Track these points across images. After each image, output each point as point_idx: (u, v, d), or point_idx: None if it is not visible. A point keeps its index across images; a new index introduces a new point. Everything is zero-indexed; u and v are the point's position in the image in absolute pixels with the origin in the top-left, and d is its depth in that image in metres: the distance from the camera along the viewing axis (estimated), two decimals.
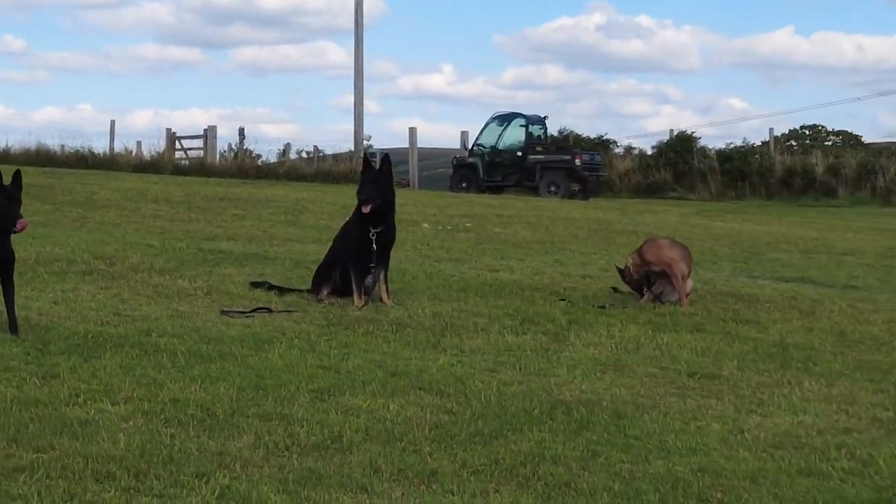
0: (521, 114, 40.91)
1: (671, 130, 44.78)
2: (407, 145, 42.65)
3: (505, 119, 40.79)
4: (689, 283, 11.61)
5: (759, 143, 51.79)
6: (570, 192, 37.84)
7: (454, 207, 23.06)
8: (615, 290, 11.91)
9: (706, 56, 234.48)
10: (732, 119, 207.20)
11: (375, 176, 10.92)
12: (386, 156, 11.11)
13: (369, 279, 10.80)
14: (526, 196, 35.95)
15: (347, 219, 11.43)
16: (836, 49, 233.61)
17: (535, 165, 38.90)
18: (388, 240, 10.88)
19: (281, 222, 18.91)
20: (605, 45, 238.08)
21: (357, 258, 10.72)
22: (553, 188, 38.31)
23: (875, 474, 6.15)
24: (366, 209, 10.72)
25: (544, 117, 41.63)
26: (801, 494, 5.77)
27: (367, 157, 11.65)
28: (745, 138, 46.37)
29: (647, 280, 11.56)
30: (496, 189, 38.54)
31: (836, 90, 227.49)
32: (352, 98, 44.80)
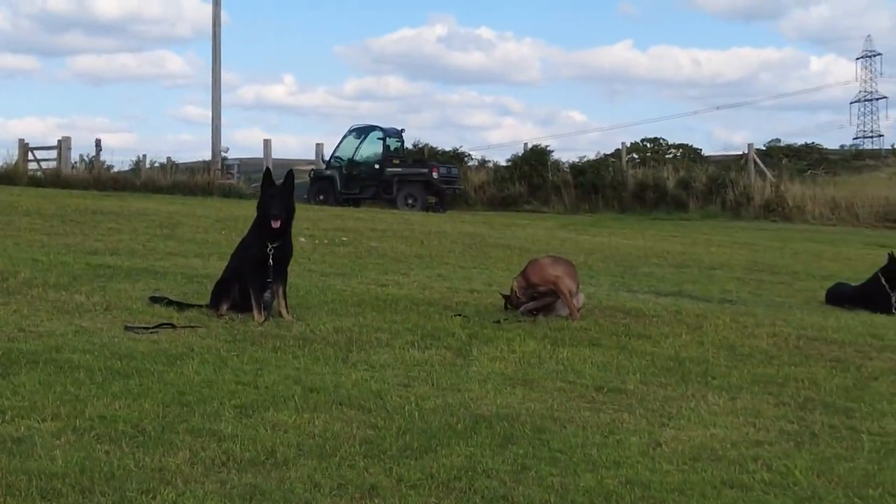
0: (378, 127, 41.12)
1: (525, 144, 45.36)
2: (260, 156, 42.63)
3: (363, 132, 40.97)
4: (581, 298, 11.87)
5: (602, 156, 52.69)
6: (428, 205, 38.14)
7: (326, 221, 23.11)
8: (506, 305, 12.10)
9: (546, 68, 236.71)
10: (573, 131, 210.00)
11: (280, 191, 11.02)
12: (290, 171, 11.22)
13: (268, 294, 10.85)
14: (391, 210, 36.09)
15: (244, 234, 11.46)
16: (673, 63, 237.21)
17: (392, 178, 39.16)
18: (285, 255, 10.96)
19: (158, 236, 18.84)
20: (447, 56, 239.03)
21: (255, 274, 10.77)
22: (410, 201, 38.57)
23: (794, 485, 6.41)
24: (276, 224, 10.79)
25: (401, 130, 41.92)
26: None
27: (269, 171, 11.70)
28: (599, 151, 47.10)
29: (533, 299, 11.79)
30: (354, 202, 38.68)
31: (672, 104, 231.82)
32: (192, 108, 44.78)
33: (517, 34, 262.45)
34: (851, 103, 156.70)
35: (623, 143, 51.86)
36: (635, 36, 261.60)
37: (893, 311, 13.75)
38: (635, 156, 63.01)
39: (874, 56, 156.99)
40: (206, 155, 44.43)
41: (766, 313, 12.93)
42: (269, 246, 10.78)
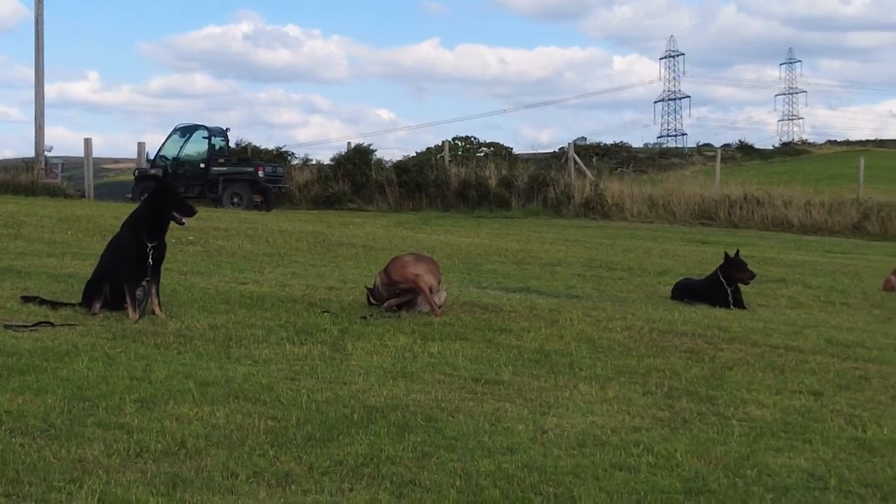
0: (203, 126, 40.98)
1: (348, 143, 45.59)
2: (76, 154, 42.28)
3: (187, 131, 40.80)
4: (443, 295, 12.26)
5: (415, 154, 53.26)
6: (253, 204, 38.20)
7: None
8: (370, 301, 12.42)
9: (354, 66, 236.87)
10: (381, 129, 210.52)
11: (171, 190, 11.31)
12: (167, 171, 11.45)
13: (139, 292, 11.03)
14: (222, 209, 36.02)
15: (117, 233, 11.59)
16: (480, 62, 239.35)
17: (218, 177, 39.11)
18: (161, 254, 11.17)
19: (4, 235, 18.73)
20: (254, 54, 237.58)
21: (131, 272, 10.94)
22: (236, 200, 38.58)
23: (677, 467, 6.89)
24: (186, 223, 11.06)
25: (226, 129, 41.84)
26: (621, 486, 6.44)
27: (167, 172, 11.93)
28: (428, 148, 47.55)
29: (395, 295, 12.15)
30: None
31: (480, 102, 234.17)
32: None
33: (324, 32, 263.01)
34: (655, 102, 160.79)
35: (446, 142, 52.44)
36: (442, 34, 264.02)
37: (731, 305, 14.44)
38: (444, 154, 63.58)
39: (677, 56, 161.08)
40: (8, 153, 43.69)
41: (615, 308, 13.47)
42: (149, 245, 10.96)
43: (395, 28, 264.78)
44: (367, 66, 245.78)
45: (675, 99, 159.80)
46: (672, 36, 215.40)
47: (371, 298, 12.25)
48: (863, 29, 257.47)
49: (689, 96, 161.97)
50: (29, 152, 43.84)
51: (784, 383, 9.60)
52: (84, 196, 40.18)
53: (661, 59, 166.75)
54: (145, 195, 33.06)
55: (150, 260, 10.96)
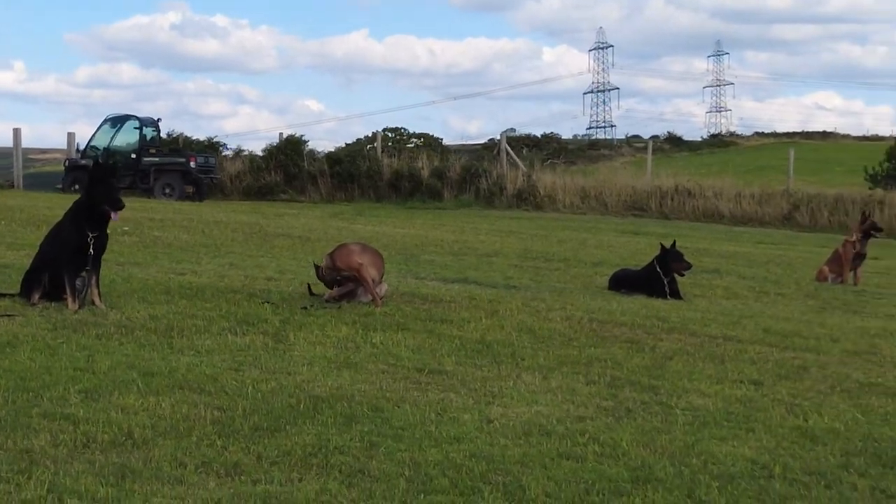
0: (134, 116, 40.69)
1: (280, 133, 45.39)
2: (9, 145, 41.87)
3: (118, 121, 40.48)
4: (384, 287, 12.27)
5: (346, 145, 53.25)
6: (185, 195, 37.99)
7: None
8: (310, 291, 12.41)
9: (283, 57, 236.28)
10: (310, 120, 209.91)
11: (114, 181, 11.22)
12: (113, 165, 11.37)
13: (78, 283, 10.96)
14: (155, 199, 35.82)
15: (58, 222, 11.49)
16: (410, 53, 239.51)
17: (149, 168, 38.87)
18: (102, 244, 11.09)
19: None
20: (181, 44, 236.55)
21: (72, 262, 10.87)
22: (168, 190, 38.37)
23: (623, 456, 6.95)
24: (116, 218, 10.96)
25: (158, 120, 41.55)
26: (569, 475, 6.50)
27: (103, 164, 11.85)
28: (359, 139, 47.47)
29: (337, 281, 12.16)
30: None
31: (409, 93, 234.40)
32: None
33: (253, 22, 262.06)
34: (584, 94, 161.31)
35: (378, 133, 52.38)
36: (372, 25, 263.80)
37: (668, 295, 14.55)
38: (376, 145, 63.61)
39: (606, 48, 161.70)
40: None
41: (554, 298, 13.54)
42: (90, 235, 10.88)
43: (324, 18, 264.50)
44: (296, 56, 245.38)
45: (604, 91, 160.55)
46: (601, 28, 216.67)
47: (318, 275, 12.24)
48: (789, 21, 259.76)
49: (617, 88, 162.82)
50: None
51: (724, 373, 9.69)
52: (13, 186, 39.82)
53: (590, 50, 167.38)
54: (76, 186, 32.81)
55: (90, 250, 10.87)
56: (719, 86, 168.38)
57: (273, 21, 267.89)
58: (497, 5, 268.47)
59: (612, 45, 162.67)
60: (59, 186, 39.69)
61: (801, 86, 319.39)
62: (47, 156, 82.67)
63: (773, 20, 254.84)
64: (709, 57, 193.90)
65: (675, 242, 15.18)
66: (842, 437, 7.70)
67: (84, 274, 11.01)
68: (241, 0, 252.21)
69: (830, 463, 7.06)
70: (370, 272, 12.04)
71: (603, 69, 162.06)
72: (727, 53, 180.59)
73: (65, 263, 10.90)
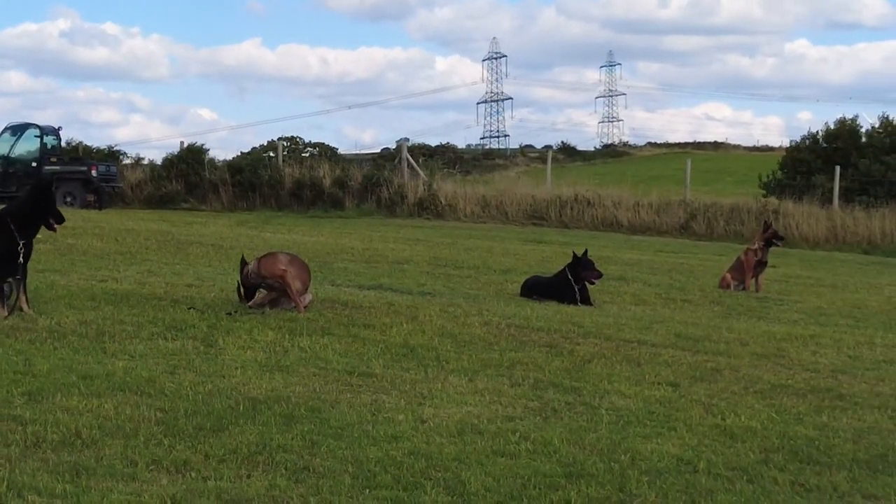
0: (34, 124, 40.35)
1: (181, 142, 45.26)
2: None
3: (18, 129, 40.13)
4: (308, 297, 12.50)
5: (241, 154, 53.23)
6: (86, 203, 37.80)
7: None
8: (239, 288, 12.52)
9: (175, 65, 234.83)
10: (203, 129, 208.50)
11: (54, 195, 11.39)
12: (51, 179, 11.56)
13: (6, 288, 11.08)
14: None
15: None
16: (302, 61, 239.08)
17: (50, 176, 38.59)
18: (30, 252, 11.22)
19: None
20: (71, 51, 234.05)
21: (1, 269, 10.99)
22: (69, 199, 38.10)
23: (555, 453, 7.28)
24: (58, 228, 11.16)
25: (58, 128, 41.27)
26: (506, 471, 6.81)
27: (51, 178, 12.06)
28: (254, 148, 47.44)
29: (259, 287, 12.38)
30: (10, 199, 37.89)
31: (302, 102, 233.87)
32: None
33: (144, 30, 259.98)
34: (478, 104, 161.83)
35: (280, 142, 52.50)
36: (264, 34, 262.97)
37: (578, 302, 14.91)
38: (271, 154, 63.58)
39: (499, 58, 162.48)
40: None
41: (469, 304, 13.83)
42: (20, 243, 11.01)
43: (215, 27, 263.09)
44: (188, 65, 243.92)
45: (497, 101, 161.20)
46: (494, 38, 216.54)
47: (241, 275, 12.42)
48: (679, 33, 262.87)
49: (511, 98, 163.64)
50: None
51: (642, 375, 10.05)
52: None
53: (483, 60, 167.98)
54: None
55: (20, 259, 11.00)
56: (611, 96, 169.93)
57: (165, 29, 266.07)
58: (390, 14, 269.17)
59: (505, 56, 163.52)
60: None
61: (692, 96, 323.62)
62: None
63: (663, 31, 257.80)
64: (601, 67, 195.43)
65: (586, 251, 15.53)
66: (759, 435, 8.07)
67: (11, 280, 11.11)
68: (132, 8, 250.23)
69: (751, 459, 7.42)
70: (295, 283, 12.25)
71: (496, 79, 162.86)
72: (619, 64, 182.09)
73: None
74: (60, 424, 7.19)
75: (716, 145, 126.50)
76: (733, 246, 31.60)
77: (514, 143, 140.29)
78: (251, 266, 12.33)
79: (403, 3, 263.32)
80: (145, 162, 47.34)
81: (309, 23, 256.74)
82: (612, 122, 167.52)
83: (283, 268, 12.18)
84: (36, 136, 39.53)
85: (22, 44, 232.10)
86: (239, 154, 54.00)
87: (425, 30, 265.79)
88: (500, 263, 20.55)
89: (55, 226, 11.28)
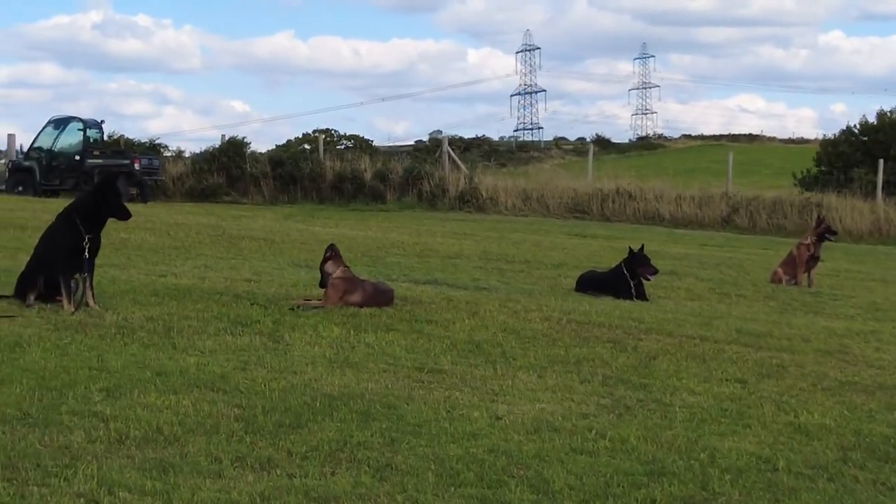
0: (78, 117, 40.51)
1: (222, 135, 45.45)
2: None
3: (61, 123, 40.30)
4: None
5: (276, 146, 53.39)
6: (129, 196, 37.89)
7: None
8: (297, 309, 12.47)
9: (207, 57, 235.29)
10: (235, 121, 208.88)
11: (115, 189, 11.45)
12: (115, 174, 11.62)
13: (73, 284, 11.14)
14: None
15: (51, 224, 11.65)
16: (334, 53, 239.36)
17: (93, 169, 38.66)
18: (97, 246, 11.26)
19: None
20: (103, 43, 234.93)
21: (68, 264, 11.04)
22: None
23: (633, 451, 7.28)
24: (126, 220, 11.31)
25: (101, 121, 41.42)
26: (587, 469, 6.82)
27: (117, 173, 12.15)
28: (288, 140, 47.55)
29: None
30: (53, 193, 38.13)
31: (334, 94, 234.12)
32: None
33: (176, 22, 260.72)
34: (512, 96, 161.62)
35: (321, 135, 52.66)
36: (296, 26, 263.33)
37: (634, 297, 14.92)
38: (307, 146, 63.70)
39: (533, 50, 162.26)
40: None
41: (528, 300, 13.84)
42: (86, 237, 11.07)
43: (247, 19, 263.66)
44: (221, 56, 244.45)
45: (531, 93, 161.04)
46: (528, 30, 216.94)
47: (320, 265, 12.47)
48: (712, 24, 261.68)
49: (544, 90, 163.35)
50: None
51: (709, 372, 10.05)
52: None
53: (517, 52, 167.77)
54: (20, 188, 32.61)
55: (86, 253, 11.05)
56: (645, 88, 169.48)
57: (197, 21, 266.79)
58: (422, 6, 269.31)
59: (539, 48, 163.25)
60: (1, 188, 39.46)
61: (725, 88, 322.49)
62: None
63: (695, 23, 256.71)
64: (634, 59, 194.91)
65: (642, 246, 15.53)
66: (834, 432, 8.06)
67: (78, 276, 11.17)
68: (164, 0, 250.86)
69: (829, 457, 7.41)
70: (348, 297, 12.23)
71: (530, 71, 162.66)
72: (653, 56, 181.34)
73: (61, 265, 11.07)
74: (142, 421, 7.22)
75: (750, 137, 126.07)
76: (776, 240, 31.57)
77: (547, 136, 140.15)
78: (339, 271, 12.33)
79: None
80: (186, 155, 47.49)
81: (341, 15, 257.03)
82: (645, 114, 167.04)
83: (341, 293, 12.21)
84: (79, 130, 39.68)
85: (55, 36, 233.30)
86: (274, 147, 54.18)
87: (457, 22, 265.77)
88: (550, 258, 20.57)
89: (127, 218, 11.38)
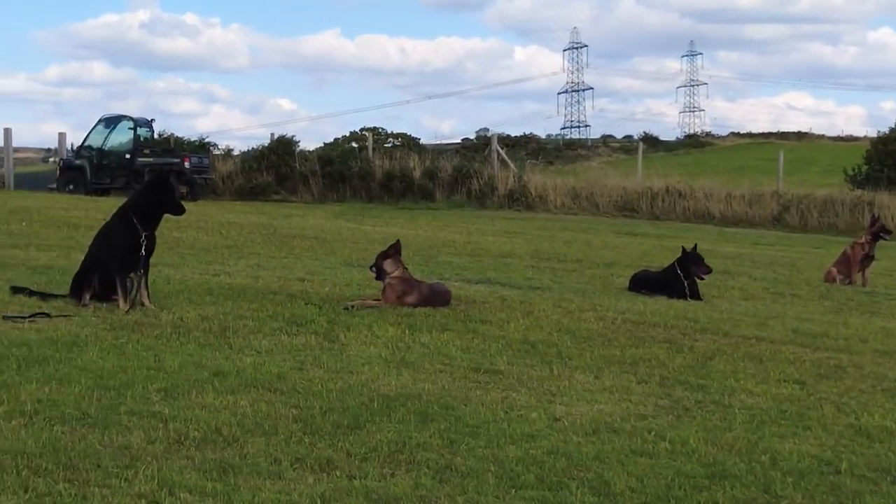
0: (128, 116, 40.74)
1: (272, 134, 45.63)
2: None
3: (112, 121, 40.53)
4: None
5: (323, 145, 53.51)
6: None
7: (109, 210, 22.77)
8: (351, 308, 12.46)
9: (254, 55, 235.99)
10: (282, 120, 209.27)
11: (169, 186, 11.46)
12: (169, 171, 11.63)
13: (127, 283, 11.17)
14: None
15: (106, 223, 11.68)
16: (381, 52, 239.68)
17: (143, 168, 38.87)
18: (153, 245, 11.29)
19: None
20: (151, 42, 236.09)
21: (123, 263, 11.06)
22: None
23: (694, 453, 7.21)
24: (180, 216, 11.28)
25: (151, 120, 41.66)
26: (647, 471, 6.76)
27: (170, 171, 12.17)
28: (336, 139, 47.64)
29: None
30: (104, 191, 38.36)
31: (380, 92, 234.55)
32: None
33: (224, 20, 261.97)
34: (559, 94, 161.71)
35: (370, 134, 52.67)
36: (343, 24, 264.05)
37: (688, 297, 14.84)
38: (355, 144, 63.83)
39: (581, 48, 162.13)
40: None
41: (581, 299, 13.80)
42: (143, 235, 11.09)
43: (295, 17, 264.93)
44: (268, 55, 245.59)
45: (578, 90, 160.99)
46: (575, 28, 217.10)
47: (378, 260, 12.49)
48: (759, 21, 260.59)
49: (591, 88, 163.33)
50: None
51: (766, 372, 9.96)
52: (3, 186, 39.91)
53: (564, 50, 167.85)
54: (70, 186, 32.83)
55: (142, 251, 11.07)
56: (693, 86, 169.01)
57: (244, 19, 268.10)
58: (468, 4, 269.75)
59: (586, 45, 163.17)
60: (52, 186, 39.73)
61: (773, 86, 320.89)
62: (19, 155, 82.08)
63: (743, 20, 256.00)
64: (682, 57, 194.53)
65: (695, 246, 15.46)
66: None
67: (133, 275, 11.19)
68: None
69: (892, 460, 7.32)
70: (405, 298, 12.23)
71: (577, 69, 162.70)
72: (700, 53, 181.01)
73: (117, 264, 11.09)
74: (200, 421, 7.21)
75: (799, 135, 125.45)
76: (828, 238, 31.38)
77: (594, 134, 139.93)
78: (395, 269, 12.33)
79: None
80: (235, 153, 47.68)
81: (388, 13, 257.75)
82: (693, 111, 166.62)
83: (398, 274, 12.21)
84: (129, 129, 39.90)
85: (104, 35, 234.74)
86: (322, 145, 54.30)
87: (504, 19, 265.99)
88: (601, 257, 20.52)
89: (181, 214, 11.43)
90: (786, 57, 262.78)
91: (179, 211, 11.44)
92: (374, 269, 12.49)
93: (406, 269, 12.51)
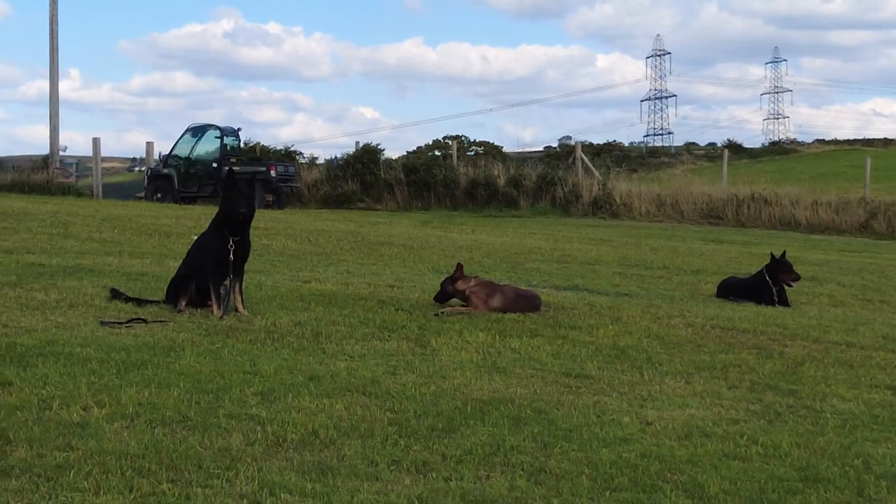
0: (215, 125, 41.01)
1: (357, 142, 45.94)
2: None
3: (199, 130, 40.85)
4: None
5: (407, 153, 53.76)
6: (266, 204, 38.35)
7: (207, 218, 23.16)
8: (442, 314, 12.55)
9: (336, 64, 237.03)
10: (365, 128, 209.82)
11: (246, 190, 11.55)
12: (255, 173, 11.76)
13: (221, 290, 11.33)
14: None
15: (203, 232, 11.89)
16: (463, 60, 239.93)
17: None
18: (244, 252, 11.42)
19: (56, 235, 18.93)
20: (234, 51, 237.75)
21: (215, 270, 11.23)
22: None
23: (786, 456, 7.25)
24: (240, 217, 11.38)
25: (238, 129, 41.95)
26: (740, 474, 6.80)
27: (233, 171, 12.28)
28: (419, 147, 47.84)
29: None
30: (191, 200, 38.72)
31: (462, 100, 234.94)
32: None
33: (306, 29, 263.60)
34: (642, 101, 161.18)
35: (454, 142, 52.86)
36: (425, 33, 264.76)
37: (776, 303, 14.82)
38: (437, 153, 64.01)
39: (663, 55, 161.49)
40: None
41: (670, 306, 13.82)
42: (230, 242, 11.24)
43: (377, 26, 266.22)
44: (350, 63, 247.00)
45: (661, 98, 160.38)
46: (658, 35, 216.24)
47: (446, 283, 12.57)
48: (844, 27, 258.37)
49: (675, 95, 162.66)
50: (10, 150, 43.96)
51: (857, 378, 9.96)
52: (93, 195, 40.42)
53: (647, 57, 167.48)
54: (158, 195, 33.21)
55: (231, 257, 11.20)
56: (777, 93, 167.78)
57: (326, 28, 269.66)
58: (550, 12, 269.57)
59: (669, 53, 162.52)
60: (140, 196, 40.18)
61: (858, 92, 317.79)
62: (105, 164, 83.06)
63: (827, 26, 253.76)
64: (767, 63, 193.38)
65: (784, 252, 15.45)
66: None
67: (227, 282, 11.36)
68: (295, 8, 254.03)
69: None
70: (490, 301, 12.33)
71: (660, 76, 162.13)
72: (785, 60, 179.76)
73: (210, 271, 11.26)
74: (297, 424, 7.33)
75: (885, 142, 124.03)
76: None
77: (677, 141, 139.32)
78: (469, 284, 12.43)
79: (563, 1, 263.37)
80: (320, 162, 48.01)
81: (469, 21, 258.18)
82: (777, 118, 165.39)
83: (476, 284, 12.33)
84: (216, 137, 40.19)
85: (187, 44, 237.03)
86: (405, 153, 54.58)
87: (586, 27, 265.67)
88: (688, 264, 20.48)
89: (239, 217, 11.49)
90: (872, 63, 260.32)
91: (234, 212, 11.41)
92: (439, 297, 12.55)
93: (478, 277, 12.65)
